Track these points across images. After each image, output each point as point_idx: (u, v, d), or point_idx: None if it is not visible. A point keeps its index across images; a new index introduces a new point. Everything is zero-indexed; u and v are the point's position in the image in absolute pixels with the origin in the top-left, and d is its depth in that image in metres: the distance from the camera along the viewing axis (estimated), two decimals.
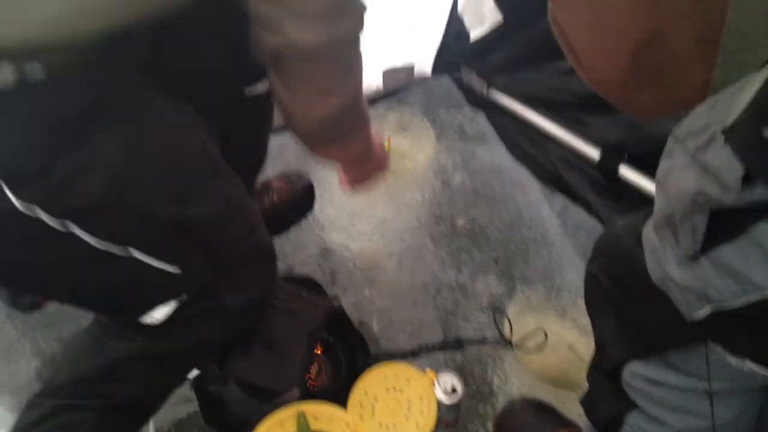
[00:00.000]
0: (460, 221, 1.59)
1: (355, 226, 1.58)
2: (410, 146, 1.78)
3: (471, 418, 1.22)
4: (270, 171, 1.59)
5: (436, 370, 1.14)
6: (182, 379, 1.08)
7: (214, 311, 0.95)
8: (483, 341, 1.33)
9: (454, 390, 1.10)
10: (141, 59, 0.71)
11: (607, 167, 1.46)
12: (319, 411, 1.02)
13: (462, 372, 1.29)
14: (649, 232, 0.72)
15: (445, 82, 1.94)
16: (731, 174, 0.54)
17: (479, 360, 1.31)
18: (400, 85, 1.88)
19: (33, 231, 0.67)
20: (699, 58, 0.48)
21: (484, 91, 1.78)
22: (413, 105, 1.91)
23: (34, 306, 1.37)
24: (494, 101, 1.77)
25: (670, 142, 0.65)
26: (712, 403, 0.71)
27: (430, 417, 1.02)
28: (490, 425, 1.21)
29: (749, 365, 0.64)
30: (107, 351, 0.95)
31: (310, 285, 1.33)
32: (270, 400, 1.07)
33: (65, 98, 0.63)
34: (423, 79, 1.93)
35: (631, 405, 0.81)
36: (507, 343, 1.32)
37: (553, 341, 1.33)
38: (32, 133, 0.63)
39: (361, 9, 0.75)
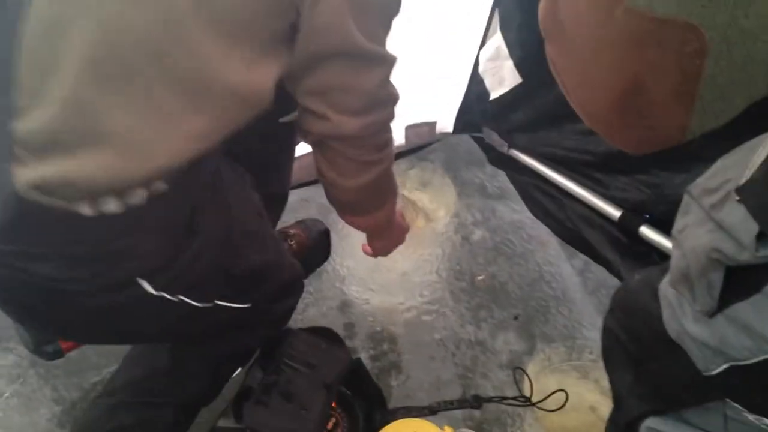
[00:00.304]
0: (480, 277, 1.60)
1: (375, 280, 1.59)
2: (431, 202, 1.81)
3: None
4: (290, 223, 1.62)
5: (454, 428, 1.12)
6: (229, 377, 1.20)
7: (265, 319, 1.10)
8: (502, 399, 1.31)
9: None
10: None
11: (627, 227, 1.47)
12: None
13: (480, 431, 1.26)
14: (665, 288, 0.72)
15: (467, 140, 1.99)
16: (746, 232, 0.55)
17: (498, 419, 1.29)
18: (423, 141, 1.92)
19: (155, 305, 0.81)
20: (677, 106, 0.51)
21: (505, 150, 1.82)
22: (435, 162, 1.95)
23: (58, 354, 1.38)
24: (515, 160, 1.80)
25: (685, 200, 0.66)
26: None
27: None
28: None
29: (765, 422, 0.63)
30: (175, 351, 1.08)
31: (330, 336, 1.33)
32: None
33: (180, 201, 0.77)
34: (445, 138, 1.97)
35: None
36: (527, 402, 1.30)
37: (575, 402, 1.31)
38: (160, 237, 0.77)
39: (394, 100, 0.87)
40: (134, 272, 0.77)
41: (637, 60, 0.50)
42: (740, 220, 0.57)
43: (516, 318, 1.50)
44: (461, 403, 1.31)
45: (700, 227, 0.63)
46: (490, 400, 1.31)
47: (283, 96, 0.85)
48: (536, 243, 1.70)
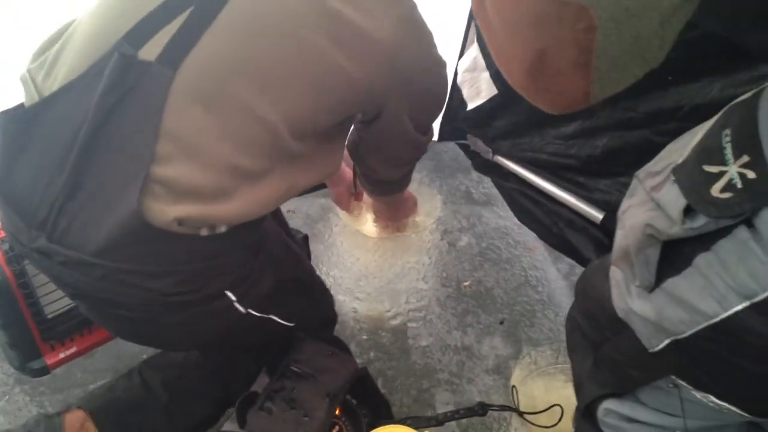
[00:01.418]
0: (466, 283, 1.60)
1: (362, 288, 1.59)
2: (417, 210, 1.81)
3: None
4: None
5: None
6: None
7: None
8: (505, 407, 1.29)
9: None
10: None
11: (610, 229, 1.47)
12: None
13: None
14: (614, 268, 0.74)
15: (453, 147, 1.99)
16: (675, 207, 0.58)
17: (484, 423, 1.29)
18: None
19: (229, 315, 0.95)
20: (578, 75, 0.58)
21: (490, 156, 1.83)
22: (421, 171, 1.96)
23: (44, 371, 1.38)
24: (500, 166, 1.81)
25: (633, 183, 0.69)
26: None
27: None
28: None
29: (713, 401, 0.64)
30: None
31: (337, 344, 1.32)
32: None
33: (258, 225, 0.94)
34: (431, 146, 1.98)
35: None
36: (518, 413, 1.29)
37: (562, 405, 1.30)
38: (242, 254, 0.94)
39: (425, 150, 1.14)
40: (225, 285, 0.92)
41: (542, 36, 0.57)
42: (673, 197, 0.60)
43: (502, 323, 1.50)
44: (468, 412, 1.30)
45: (641, 207, 0.66)
46: (494, 407, 1.28)
47: None
48: (522, 248, 1.70)
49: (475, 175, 1.92)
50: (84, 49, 0.84)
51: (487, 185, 1.89)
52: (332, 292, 1.57)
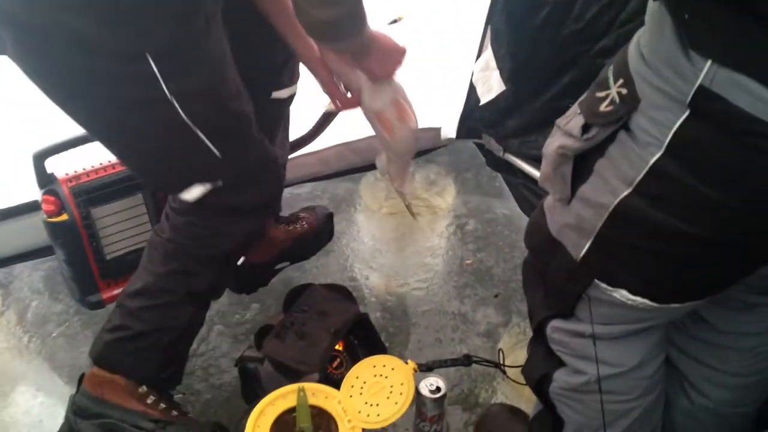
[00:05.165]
0: (468, 261, 1.78)
1: (376, 260, 1.80)
2: (432, 198, 2.01)
3: (457, 426, 1.37)
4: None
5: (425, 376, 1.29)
6: (232, 269, 1.36)
7: (235, 206, 1.21)
8: (490, 362, 1.47)
9: (438, 389, 1.26)
10: None
11: None
12: (316, 389, 1.20)
13: (450, 385, 1.43)
14: (546, 199, 0.92)
15: (471, 146, 2.19)
16: (577, 126, 0.77)
17: (469, 375, 1.46)
18: (429, 145, 2.13)
19: (148, 91, 0.92)
20: None
21: (501, 154, 2.01)
22: (440, 165, 2.16)
23: (99, 304, 1.61)
24: (509, 163, 2.00)
25: (554, 129, 0.87)
26: (595, 345, 0.87)
27: (408, 398, 1.18)
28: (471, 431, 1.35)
29: (627, 296, 0.80)
30: (180, 254, 1.24)
31: (343, 293, 1.55)
32: (295, 379, 1.26)
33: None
34: (451, 143, 2.18)
35: (558, 364, 0.96)
36: (501, 369, 1.45)
37: None
38: (166, 14, 0.88)
39: None
40: (147, 45, 0.87)
41: None
42: (577, 122, 0.78)
43: (497, 296, 1.67)
44: (454, 361, 1.47)
45: (556, 140, 0.83)
46: (479, 361, 1.46)
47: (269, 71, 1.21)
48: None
49: (487, 170, 2.11)
50: None
51: (497, 180, 2.08)
52: (350, 261, 1.79)
